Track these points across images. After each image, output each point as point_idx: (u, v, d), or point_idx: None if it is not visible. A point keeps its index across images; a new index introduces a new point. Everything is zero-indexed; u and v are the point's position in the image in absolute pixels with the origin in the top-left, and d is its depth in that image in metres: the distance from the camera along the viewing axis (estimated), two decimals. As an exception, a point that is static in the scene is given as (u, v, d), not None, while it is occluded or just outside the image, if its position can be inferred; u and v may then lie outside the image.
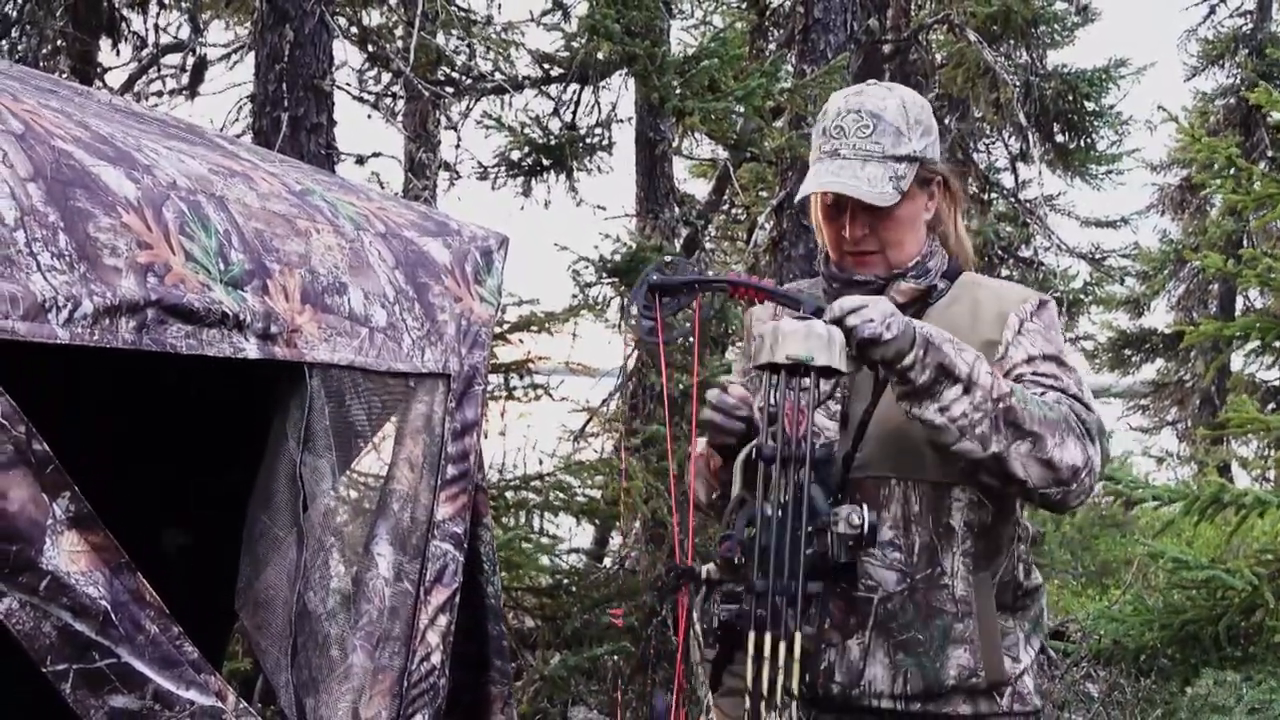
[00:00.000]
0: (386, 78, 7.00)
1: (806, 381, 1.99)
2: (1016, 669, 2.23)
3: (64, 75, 6.42)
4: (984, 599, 2.20)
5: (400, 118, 7.00)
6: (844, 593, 2.19)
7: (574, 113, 6.65)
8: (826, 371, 1.99)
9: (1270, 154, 14.13)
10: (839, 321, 2.02)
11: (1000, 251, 10.47)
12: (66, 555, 1.61)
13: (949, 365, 2.04)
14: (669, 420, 2.36)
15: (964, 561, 2.19)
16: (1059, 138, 10.72)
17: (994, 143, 11.11)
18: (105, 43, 7.19)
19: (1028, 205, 10.40)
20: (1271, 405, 14.33)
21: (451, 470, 2.44)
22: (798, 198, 2.31)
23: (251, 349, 2.01)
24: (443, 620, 2.35)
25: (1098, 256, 11.92)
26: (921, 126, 2.28)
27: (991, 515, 2.22)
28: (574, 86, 6.55)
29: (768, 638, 1.92)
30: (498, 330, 5.13)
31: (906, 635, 2.19)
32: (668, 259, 2.30)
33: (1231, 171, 5.09)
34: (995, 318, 2.24)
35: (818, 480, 2.02)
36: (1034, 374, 2.19)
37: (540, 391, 5.77)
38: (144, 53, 7.15)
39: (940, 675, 2.18)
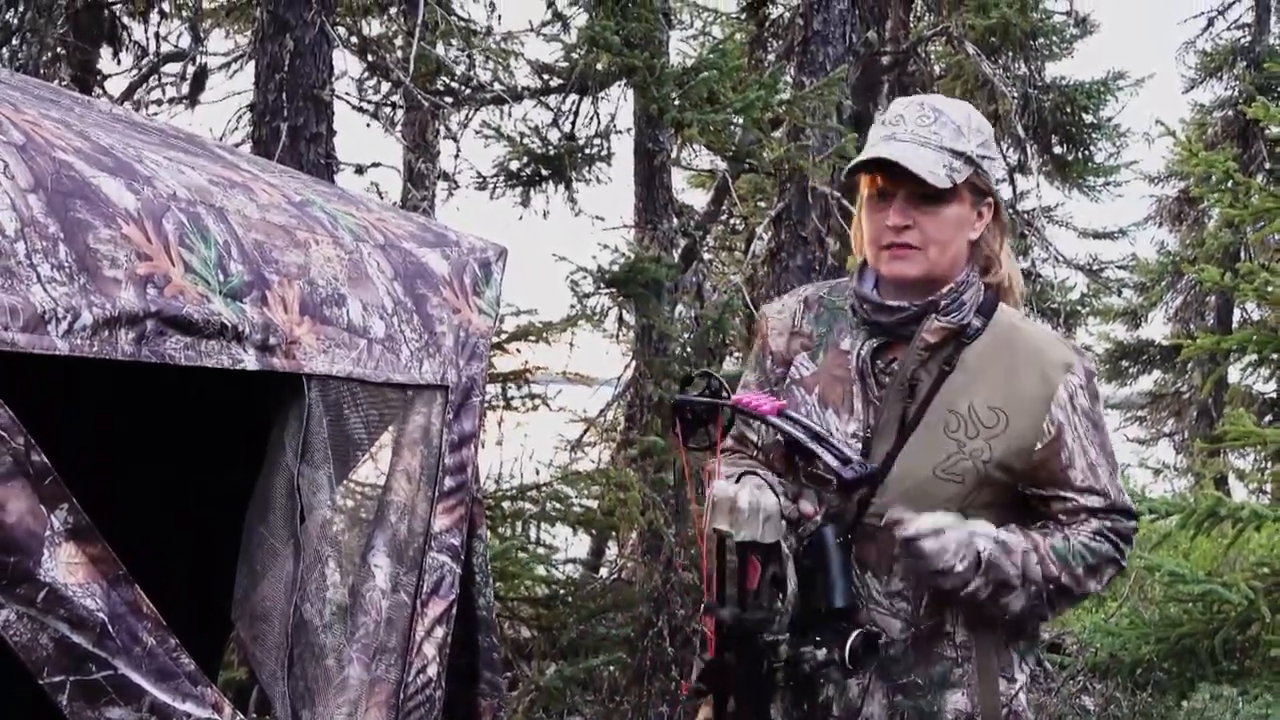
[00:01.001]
0: (385, 87, 7.01)
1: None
2: (1013, 689, 2.22)
3: (64, 84, 6.43)
4: (984, 644, 2.20)
5: (399, 127, 7.01)
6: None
7: (573, 123, 6.66)
8: (750, 545, 2.04)
9: (1268, 166, 14.14)
10: (911, 541, 2.10)
11: (998, 263, 10.45)
12: (64, 567, 1.61)
13: (1006, 579, 2.13)
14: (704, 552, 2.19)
15: (968, 609, 2.19)
16: (1057, 149, 10.73)
17: (992, 154, 11.09)
18: (106, 51, 7.20)
19: (1026, 217, 10.40)
20: (1269, 417, 14.34)
21: (449, 482, 2.43)
22: (845, 170, 2.27)
23: (250, 360, 2.01)
24: (439, 632, 2.35)
25: (1095, 268, 11.95)
26: (982, 136, 2.24)
27: None
28: (573, 97, 6.56)
29: None
30: (495, 340, 5.13)
31: (906, 679, 2.19)
32: (700, 373, 2.27)
33: (1229, 185, 5.10)
34: (1039, 384, 2.18)
35: (833, 520, 2.11)
36: (1088, 509, 2.20)
37: (537, 401, 5.77)
38: (144, 61, 7.15)
39: (937, 717, 2.19)
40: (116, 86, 7.37)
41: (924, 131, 2.19)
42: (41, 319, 1.65)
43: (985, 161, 2.23)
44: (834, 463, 2.05)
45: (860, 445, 2.21)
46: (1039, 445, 2.16)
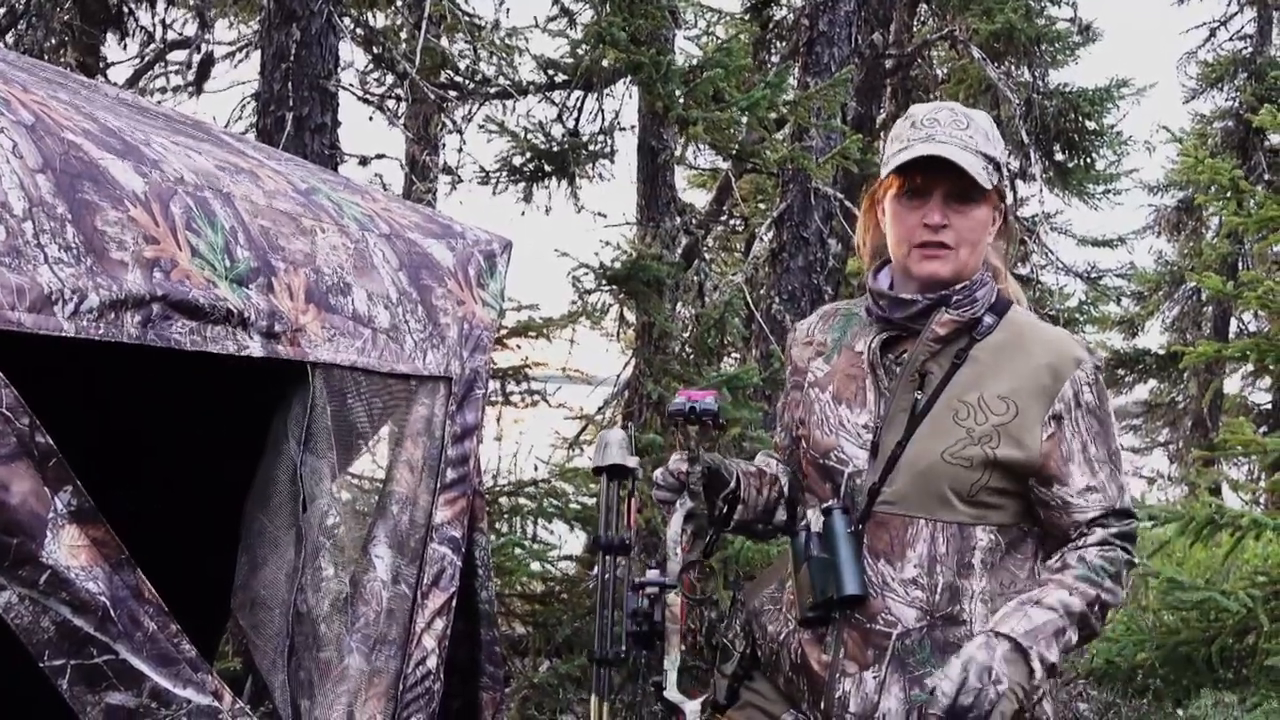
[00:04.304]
0: (390, 79, 6.98)
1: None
2: (1034, 695, 2.21)
3: (70, 69, 6.41)
4: None
5: (403, 120, 6.99)
6: (859, 624, 2.20)
7: (577, 119, 6.63)
8: (610, 470, 2.37)
9: (1268, 178, 14.16)
10: (951, 711, 2.08)
11: (997, 268, 10.46)
12: (67, 550, 1.60)
13: (1062, 645, 2.13)
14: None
15: (983, 599, 2.18)
16: (1059, 156, 10.72)
17: (994, 160, 11.08)
18: (111, 37, 7.18)
19: (1027, 223, 10.39)
20: (1263, 428, 14.35)
21: (451, 474, 2.43)
22: (889, 169, 2.26)
23: (255, 347, 2.00)
24: (439, 624, 2.34)
25: (1094, 276, 11.93)
26: (1000, 144, 2.30)
27: (1002, 554, 2.22)
28: (578, 93, 6.54)
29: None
30: (496, 335, 5.13)
31: (922, 671, 2.17)
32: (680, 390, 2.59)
33: (1232, 194, 5.09)
34: (1047, 378, 2.21)
35: (841, 510, 2.23)
36: (1088, 520, 2.21)
37: (536, 397, 5.76)
38: (150, 48, 7.14)
39: None
40: (121, 74, 7.36)
41: (961, 135, 2.23)
42: (48, 299, 1.64)
43: (1004, 168, 2.28)
44: (678, 400, 2.34)
45: (871, 436, 2.24)
46: (1044, 436, 2.18)
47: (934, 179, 2.21)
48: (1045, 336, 2.28)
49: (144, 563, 1.76)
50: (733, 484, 2.37)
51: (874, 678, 2.19)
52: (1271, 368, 5.16)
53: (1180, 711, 5.01)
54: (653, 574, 2.29)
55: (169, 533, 2.86)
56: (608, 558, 2.36)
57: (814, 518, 2.25)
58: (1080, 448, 2.20)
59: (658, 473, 2.37)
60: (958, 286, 2.24)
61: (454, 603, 2.39)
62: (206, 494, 2.89)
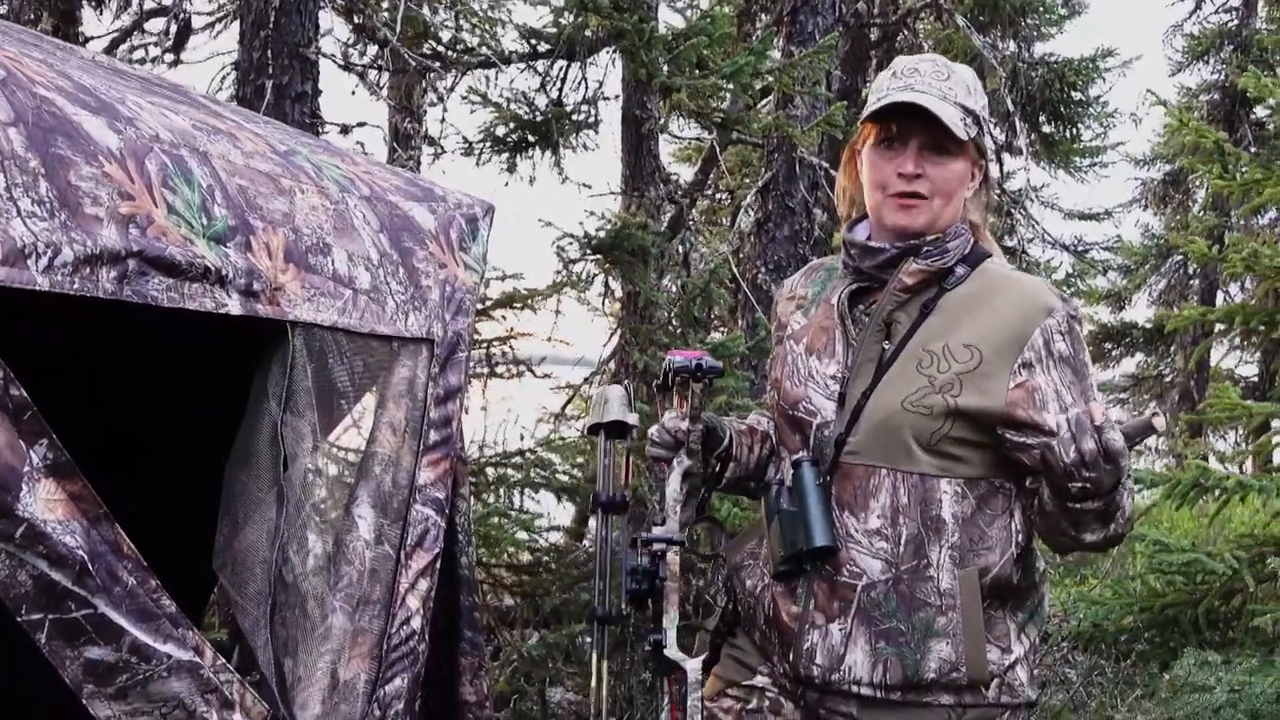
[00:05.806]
0: (372, 51, 6.94)
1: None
2: (1007, 660, 2.20)
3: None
4: (969, 594, 2.16)
5: (385, 90, 6.95)
6: (828, 576, 2.19)
7: (560, 89, 6.61)
8: (609, 428, 2.41)
9: (1254, 150, 14.18)
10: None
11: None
12: (43, 503, 1.59)
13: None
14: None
15: (950, 555, 2.16)
16: (1045, 128, 10.73)
17: (979, 132, 11.09)
18: (88, 5, 7.11)
19: (1013, 196, 10.40)
20: (1249, 401, 14.41)
21: (434, 436, 2.42)
22: (865, 114, 2.24)
23: (234, 305, 1.98)
24: (423, 585, 2.34)
25: (1080, 249, 11.95)
26: (984, 99, 2.28)
27: (972, 509, 2.18)
28: (561, 62, 6.51)
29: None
30: (480, 306, 5.10)
31: (888, 625, 2.17)
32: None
33: (1215, 158, 5.09)
34: (1016, 325, 2.16)
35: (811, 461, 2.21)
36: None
37: (522, 368, 5.75)
38: (127, 13, 7.07)
39: (920, 668, 2.16)
40: (98, 45, 7.28)
41: (941, 86, 2.20)
42: (21, 253, 1.62)
43: (985, 124, 2.27)
44: (678, 359, 2.33)
45: (838, 386, 2.22)
46: (1011, 385, 2.12)
47: (910, 128, 2.19)
48: (1017, 286, 2.23)
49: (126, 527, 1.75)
50: (726, 442, 2.37)
51: (840, 630, 2.18)
52: (1257, 335, 5.16)
53: (1166, 674, 5.04)
54: (659, 530, 2.30)
55: (169, 533, 2.85)
56: (605, 516, 2.36)
57: (785, 470, 2.25)
58: (1054, 395, 2.13)
59: (653, 430, 2.36)
60: (929, 237, 2.21)
61: (438, 564, 2.38)
62: (206, 494, 2.87)
